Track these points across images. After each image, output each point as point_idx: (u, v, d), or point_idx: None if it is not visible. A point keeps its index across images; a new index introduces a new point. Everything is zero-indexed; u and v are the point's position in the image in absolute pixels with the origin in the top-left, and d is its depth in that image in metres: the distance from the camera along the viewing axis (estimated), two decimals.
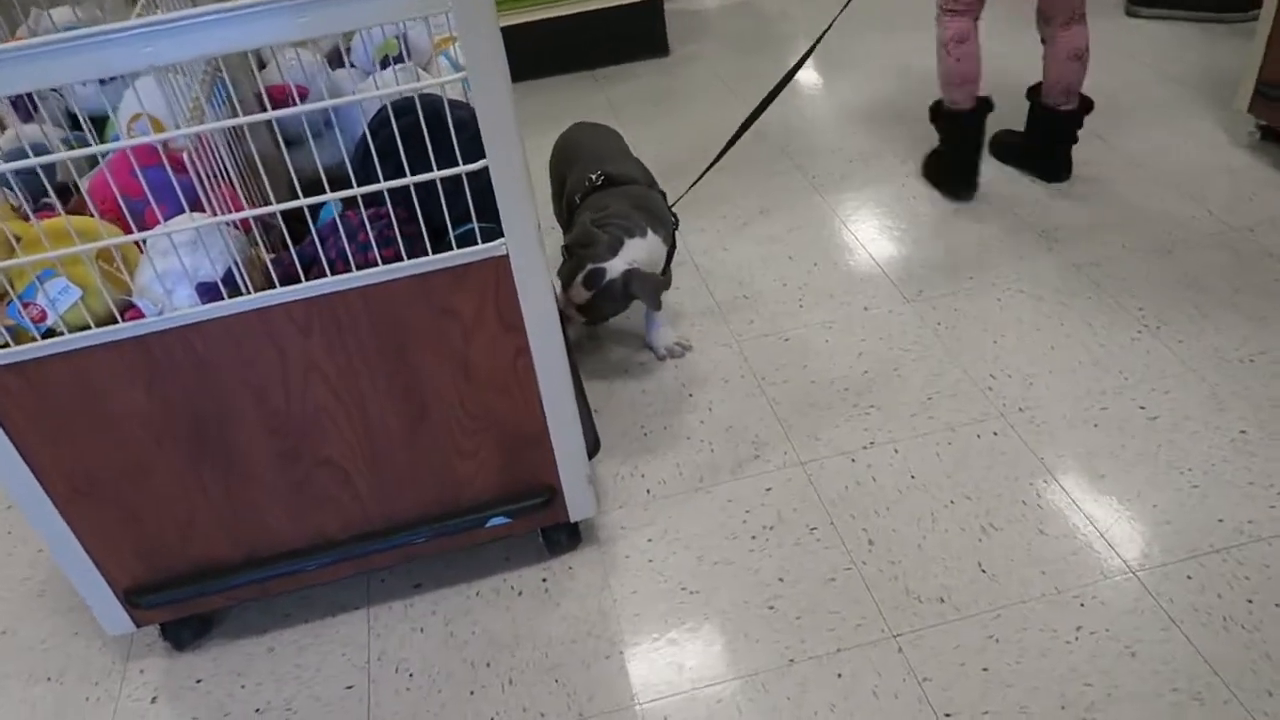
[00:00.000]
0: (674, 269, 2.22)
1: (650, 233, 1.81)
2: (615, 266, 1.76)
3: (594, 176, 1.90)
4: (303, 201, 1.18)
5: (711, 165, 2.21)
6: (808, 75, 3.07)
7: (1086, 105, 2.27)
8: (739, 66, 3.20)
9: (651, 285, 1.78)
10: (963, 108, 2.25)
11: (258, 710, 1.42)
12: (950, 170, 2.36)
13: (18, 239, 1.18)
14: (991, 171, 2.43)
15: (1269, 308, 1.88)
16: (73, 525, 1.32)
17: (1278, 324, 1.84)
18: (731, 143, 2.17)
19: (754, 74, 3.11)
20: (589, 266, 1.75)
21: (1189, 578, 1.42)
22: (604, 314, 1.83)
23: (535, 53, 3.21)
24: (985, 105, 2.26)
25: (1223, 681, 1.28)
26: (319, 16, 1.02)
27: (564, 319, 1.84)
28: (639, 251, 1.78)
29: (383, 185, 1.18)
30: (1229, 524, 1.49)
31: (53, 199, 1.16)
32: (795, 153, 2.64)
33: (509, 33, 3.02)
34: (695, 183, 2.25)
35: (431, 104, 1.29)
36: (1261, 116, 2.32)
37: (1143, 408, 1.71)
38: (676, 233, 1.96)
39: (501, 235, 1.23)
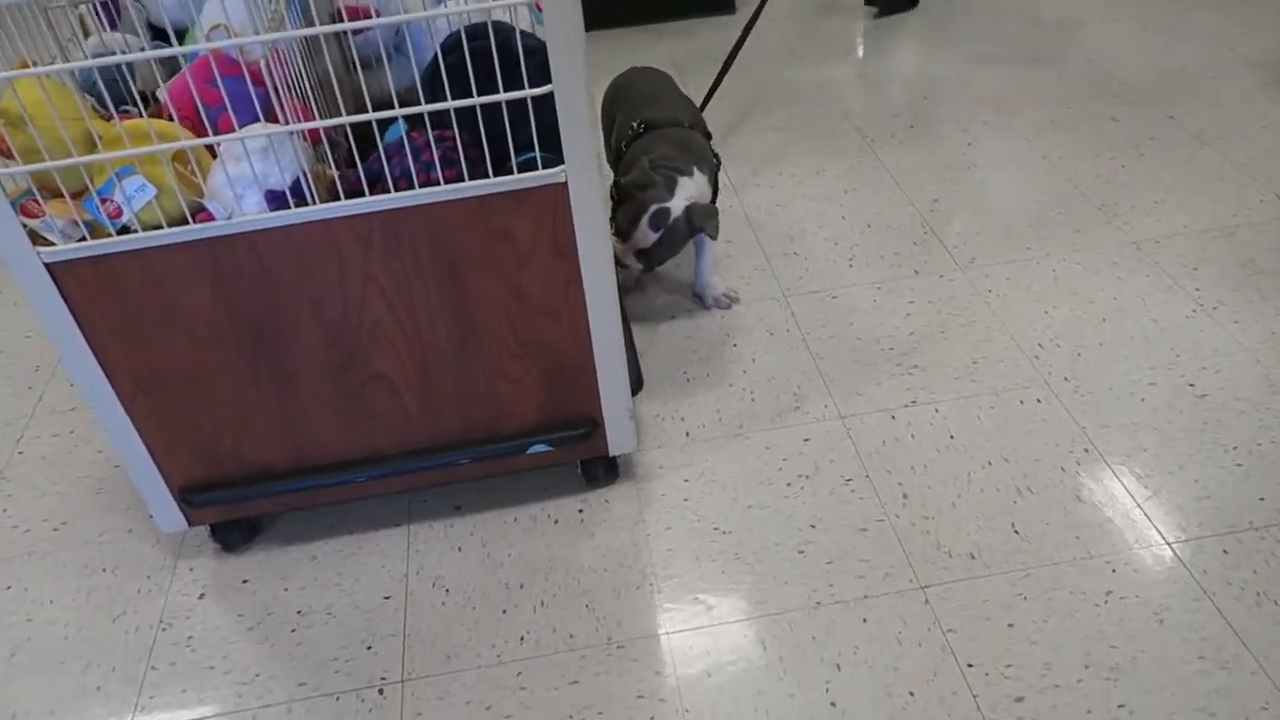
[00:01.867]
0: (727, 223, 2.23)
1: (697, 171, 1.85)
2: (677, 205, 1.78)
3: (635, 125, 1.93)
4: (371, 115, 1.20)
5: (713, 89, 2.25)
6: (878, 38, 3.04)
7: None
8: (804, 28, 3.17)
9: (713, 216, 1.82)
10: None
11: (299, 612, 1.47)
12: None
13: (100, 137, 1.22)
14: (1051, 148, 2.40)
15: None
16: (135, 421, 1.37)
17: None
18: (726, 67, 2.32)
19: (818, 37, 3.08)
20: (653, 207, 1.78)
21: (1225, 552, 1.41)
22: (664, 256, 1.85)
23: (599, 2, 3.20)
24: None
25: (1251, 654, 1.27)
26: None
27: (618, 266, 1.87)
28: (692, 189, 1.82)
29: (449, 104, 1.21)
30: (1270, 503, 1.47)
31: (135, 106, 1.20)
32: (855, 115, 2.63)
33: None
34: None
35: (502, 30, 1.31)
36: None
37: (1192, 385, 1.70)
38: (719, 173, 1.98)
39: (562, 164, 1.25)
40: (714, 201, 1.96)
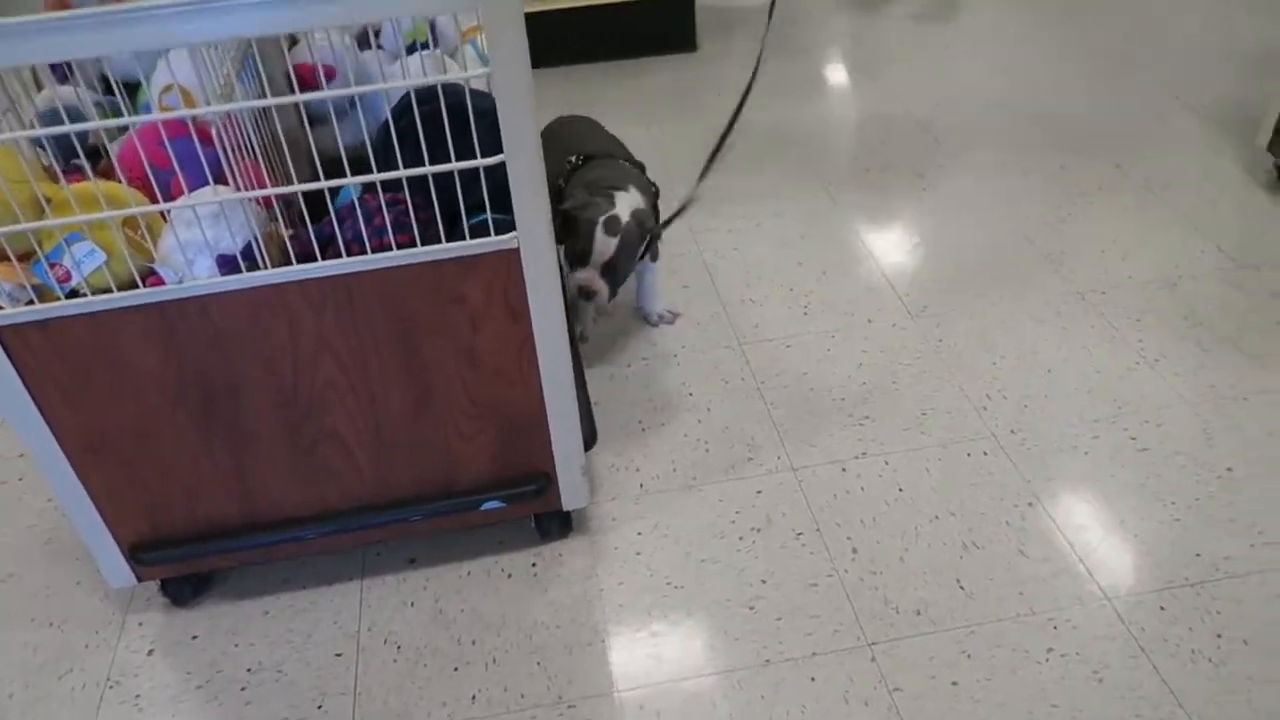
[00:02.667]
0: (684, 268, 2.25)
1: (634, 188, 1.89)
2: (623, 212, 1.83)
3: (573, 159, 1.97)
4: (324, 184, 1.21)
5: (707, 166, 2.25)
6: (837, 81, 3.09)
7: None
8: (766, 68, 3.22)
9: (656, 222, 1.91)
10: None
11: (249, 670, 1.47)
12: None
13: (48, 200, 1.22)
14: (1002, 195, 2.45)
15: (1268, 348, 1.90)
16: (84, 480, 1.36)
17: (1275, 364, 1.86)
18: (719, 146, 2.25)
19: (781, 77, 3.13)
20: (604, 216, 1.81)
21: (1162, 608, 1.45)
22: (626, 268, 1.88)
23: (562, 40, 3.23)
24: None
25: (1185, 711, 1.31)
26: (356, 5, 1.05)
27: (573, 313, 1.88)
28: (630, 202, 1.86)
29: (402, 173, 1.22)
30: (1206, 559, 1.51)
31: (83, 162, 1.20)
32: (814, 159, 2.67)
33: (538, 18, 3.06)
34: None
35: (455, 92, 1.32)
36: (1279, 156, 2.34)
37: (1134, 439, 1.74)
38: (658, 202, 2.01)
39: (514, 228, 1.26)
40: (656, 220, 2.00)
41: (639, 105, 3.02)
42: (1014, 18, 3.43)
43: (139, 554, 1.45)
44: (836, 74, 3.14)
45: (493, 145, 1.20)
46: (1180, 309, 2.03)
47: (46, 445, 1.32)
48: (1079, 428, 1.77)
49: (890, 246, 2.29)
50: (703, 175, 2.57)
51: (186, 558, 1.47)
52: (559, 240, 1.85)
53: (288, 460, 1.41)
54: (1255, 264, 2.14)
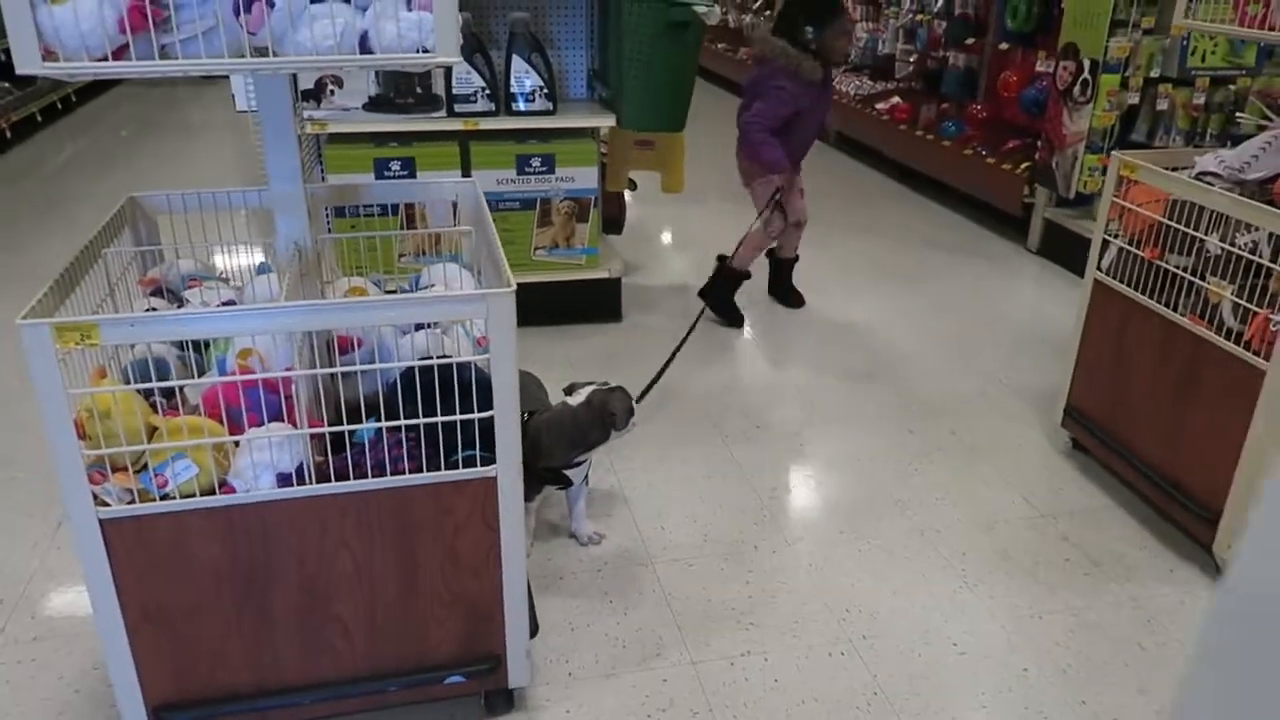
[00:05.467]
0: (607, 500, 2.75)
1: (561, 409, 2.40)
2: (571, 402, 2.34)
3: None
4: (363, 427, 1.70)
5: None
6: (740, 351, 3.76)
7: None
8: (675, 339, 3.87)
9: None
10: None
11: None
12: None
13: (153, 429, 1.67)
14: (864, 452, 3.06)
15: (1057, 579, 2.46)
16: (133, 645, 1.72)
17: (1062, 591, 2.41)
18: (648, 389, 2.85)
19: (687, 347, 3.78)
20: (570, 405, 2.33)
21: None
22: (587, 446, 2.37)
23: None
24: None
25: None
26: (389, 313, 1.59)
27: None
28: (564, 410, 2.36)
29: (420, 421, 1.72)
30: None
31: (177, 401, 1.67)
32: (713, 413, 3.26)
33: None
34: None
35: (463, 370, 1.85)
36: (1070, 431, 3.02)
37: (955, 645, 2.23)
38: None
39: (495, 462, 1.76)
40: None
41: (571, 365, 3.61)
42: (884, 308, 4.23)
43: (162, 714, 1.78)
44: (739, 342, 3.82)
45: (484, 401, 1.72)
46: (995, 546, 2.59)
47: (112, 614, 1.69)
48: (915, 636, 2.26)
49: (775, 488, 2.84)
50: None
51: (201, 718, 1.80)
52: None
53: (299, 638, 1.80)
54: (1052, 513, 2.74)
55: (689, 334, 3.27)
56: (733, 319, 4.03)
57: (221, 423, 1.72)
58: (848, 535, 2.63)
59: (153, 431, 1.67)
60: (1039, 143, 4.81)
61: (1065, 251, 4.70)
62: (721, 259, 4.03)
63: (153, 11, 1.49)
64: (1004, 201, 5.14)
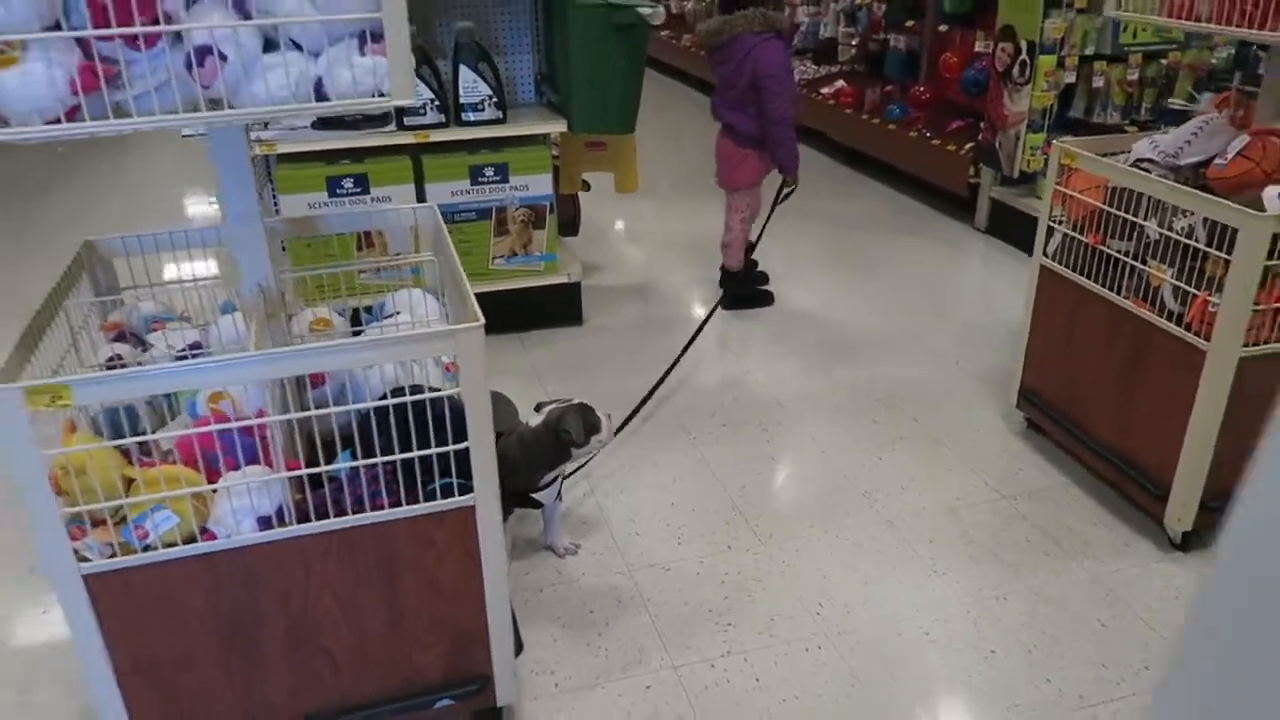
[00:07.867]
0: (582, 509, 2.79)
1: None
2: (533, 422, 2.36)
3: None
4: (340, 466, 1.73)
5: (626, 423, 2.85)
6: (704, 353, 3.82)
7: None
8: (638, 339, 3.93)
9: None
10: None
11: None
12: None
13: (130, 481, 1.68)
14: (829, 444, 3.14)
15: (1019, 559, 2.55)
16: (124, 694, 1.74)
17: (1025, 572, 2.51)
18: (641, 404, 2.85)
19: (650, 346, 3.83)
20: (531, 426, 2.34)
21: None
22: (564, 457, 2.38)
23: None
24: None
25: None
26: (361, 355, 1.62)
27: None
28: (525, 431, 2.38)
29: (396, 457, 1.75)
30: None
31: (151, 452, 1.68)
32: (681, 415, 3.31)
33: None
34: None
35: (436, 404, 1.87)
36: (1025, 412, 3.11)
37: (927, 633, 2.31)
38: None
39: (472, 490, 1.79)
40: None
41: (535, 372, 3.65)
42: (839, 294, 4.31)
43: None
44: (702, 344, 3.88)
45: (459, 430, 1.75)
46: (959, 531, 2.68)
47: (101, 666, 1.70)
48: (888, 626, 2.33)
49: (743, 488, 2.90)
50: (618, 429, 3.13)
51: None
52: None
53: (287, 675, 1.82)
54: (1012, 495, 2.84)
55: (693, 337, 3.33)
56: (763, 299, 4.30)
57: (197, 468, 1.73)
58: (817, 529, 2.70)
59: (129, 483, 1.69)
60: (982, 124, 4.91)
61: (1012, 229, 4.82)
62: (725, 270, 4.26)
63: (104, 69, 1.49)
64: (950, 182, 5.25)
